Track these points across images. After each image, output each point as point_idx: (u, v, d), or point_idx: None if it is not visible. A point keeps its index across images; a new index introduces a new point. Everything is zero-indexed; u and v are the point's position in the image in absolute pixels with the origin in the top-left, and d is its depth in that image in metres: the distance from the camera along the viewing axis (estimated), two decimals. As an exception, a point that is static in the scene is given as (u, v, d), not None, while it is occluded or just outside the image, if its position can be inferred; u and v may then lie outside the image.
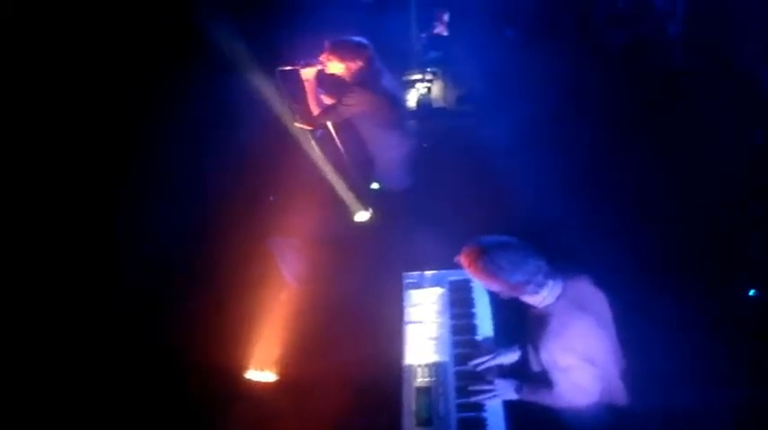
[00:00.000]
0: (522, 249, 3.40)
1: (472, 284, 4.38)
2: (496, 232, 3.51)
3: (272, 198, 6.38)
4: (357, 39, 5.25)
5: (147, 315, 5.42)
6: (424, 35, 8.17)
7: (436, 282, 4.46)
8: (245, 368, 4.96)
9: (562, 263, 3.50)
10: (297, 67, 5.28)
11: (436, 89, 7.62)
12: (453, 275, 4.46)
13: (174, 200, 6.28)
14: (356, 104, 5.25)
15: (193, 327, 5.13)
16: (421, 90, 7.51)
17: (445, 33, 7.70)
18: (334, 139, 5.61)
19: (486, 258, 3.35)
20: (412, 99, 7.40)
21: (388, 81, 5.40)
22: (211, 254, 5.85)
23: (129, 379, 4.99)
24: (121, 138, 7.20)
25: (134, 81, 7.37)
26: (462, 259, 3.48)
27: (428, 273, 4.54)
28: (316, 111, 5.43)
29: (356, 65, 5.21)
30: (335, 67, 5.25)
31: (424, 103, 7.45)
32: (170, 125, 7.17)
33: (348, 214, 5.78)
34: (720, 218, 5.77)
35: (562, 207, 5.58)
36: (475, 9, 7.55)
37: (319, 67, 5.29)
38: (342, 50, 5.21)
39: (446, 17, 7.62)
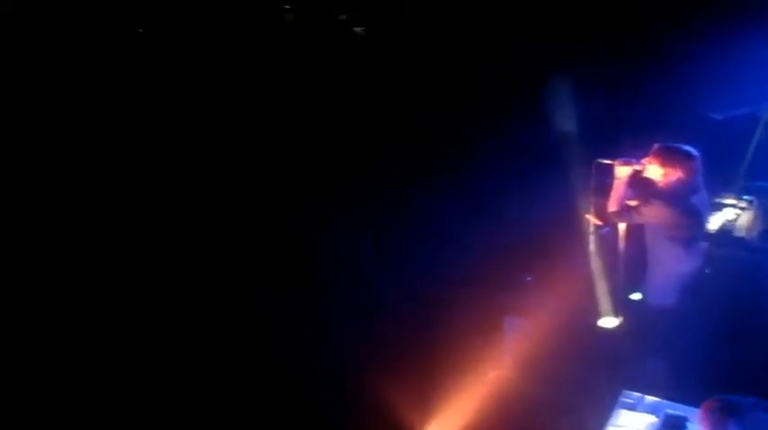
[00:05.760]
0: None
1: (688, 423, 4.31)
2: (744, 389, 3.43)
3: (528, 278, 6.64)
4: (687, 148, 5.28)
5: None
6: None
7: (652, 410, 4.48)
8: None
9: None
10: (614, 163, 5.49)
11: (744, 219, 7.38)
12: (672, 409, 4.44)
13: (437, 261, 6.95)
14: (654, 216, 5.33)
15: (394, 375, 5.72)
16: (728, 216, 7.34)
17: None
18: (617, 240, 5.77)
19: (734, 420, 3.22)
20: (715, 222, 7.26)
21: (699, 198, 5.39)
22: (445, 313, 6.42)
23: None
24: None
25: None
26: (704, 410, 3.39)
27: (649, 398, 4.57)
28: (614, 208, 5.55)
29: (675, 174, 5.22)
30: (655, 170, 5.32)
31: (726, 229, 7.30)
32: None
33: (595, 316, 5.93)
34: None
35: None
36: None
37: (637, 167, 5.43)
38: (666, 155, 5.27)
39: None
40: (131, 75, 12.40)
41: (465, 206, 8.05)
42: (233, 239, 8.23)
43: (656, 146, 5.36)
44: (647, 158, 5.38)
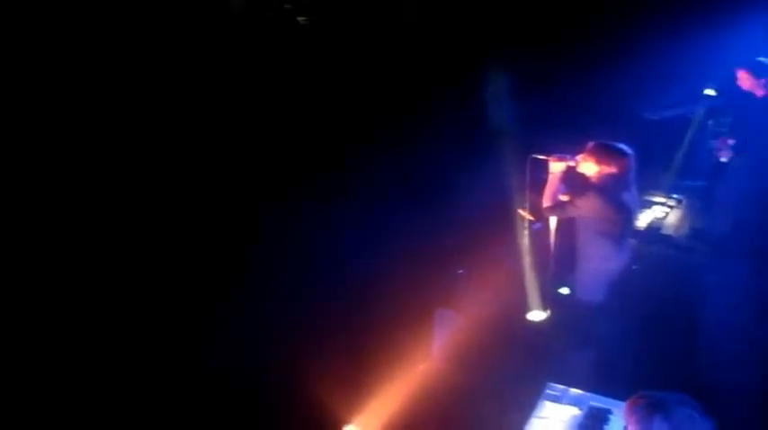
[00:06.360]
0: (697, 410, 3.21)
1: (610, 416, 4.35)
2: (669, 385, 3.40)
3: (460, 271, 6.68)
4: (621, 146, 5.40)
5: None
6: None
7: (576, 402, 4.48)
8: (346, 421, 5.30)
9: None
10: (549, 159, 5.58)
11: (673, 217, 7.58)
12: (596, 401, 4.47)
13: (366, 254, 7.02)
14: (587, 208, 5.41)
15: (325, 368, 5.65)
16: (657, 213, 7.52)
17: (724, 159, 7.53)
18: (549, 235, 5.86)
19: (660, 416, 3.18)
20: (644, 219, 7.42)
21: (629, 195, 5.50)
22: (376, 305, 6.40)
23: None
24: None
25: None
26: (630, 406, 3.35)
27: (573, 390, 4.58)
28: (547, 204, 5.65)
29: (609, 169, 5.33)
30: (589, 167, 5.43)
31: (654, 226, 7.46)
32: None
33: (524, 309, 6.01)
34: None
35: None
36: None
37: (570, 163, 5.55)
38: (601, 153, 5.38)
39: (731, 142, 7.45)
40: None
41: (398, 198, 8.03)
42: (160, 235, 8.02)
43: (591, 143, 5.46)
44: (581, 155, 5.47)
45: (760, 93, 7.13)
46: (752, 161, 7.32)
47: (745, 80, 7.18)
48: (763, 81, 7.07)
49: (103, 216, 8.19)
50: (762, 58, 7.12)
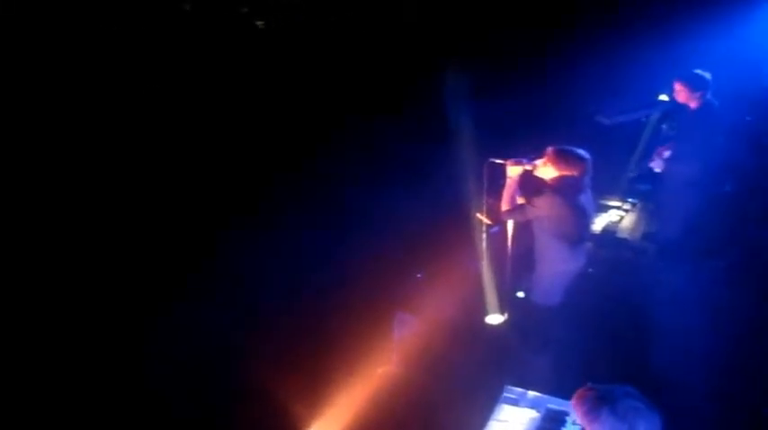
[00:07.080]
0: (643, 402, 3.27)
1: (567, 418, 4.36)
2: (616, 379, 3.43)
3: (419, 275, 6.71)
4: (579, 151, 5.44)
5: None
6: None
7: (533, 405, 4.49)
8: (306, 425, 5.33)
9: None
10: (506, 163, 5.59)
11: (628, 220, 7.69)
12: (553, 403, 4.48)
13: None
14: (545, 208, 5.43)
15: (282, 371, 5.67)
16: (612, 217, 7.62)
17: (658, 170, 7.63)
18: (506, 239, 5.89)
19: (608, 408, 3.24)
20: (600, 223, 7.52)
21: (586, 198, 5.55)
22: (335, 309, 6.40)
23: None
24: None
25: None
26: (578, 398, 3.39)
27: (531, 393, 4.58)
28: (506, 207, 5.64)
29: (569, 173, 5.39)
30: (548, 171, 5.46)
31: (609, 229, 7.56)
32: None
33: (482, 312, 6.04)
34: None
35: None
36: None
37: (527, 167, 5.56)
38: (561, 158, 5.41)
39: (666, 154, 7.55)
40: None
41: (356, 202, 8.01)
42: (120, 240, 7.90)
43: (550, 148, 5.48)
44: (541, 160, 5.50)
45: (693, 105, 7.17)
46: (688, 170, 7.40)
47: (680, 92, 7.21)
48: (698, 94, 7.10)
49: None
50: (698, 71, 7.17)
